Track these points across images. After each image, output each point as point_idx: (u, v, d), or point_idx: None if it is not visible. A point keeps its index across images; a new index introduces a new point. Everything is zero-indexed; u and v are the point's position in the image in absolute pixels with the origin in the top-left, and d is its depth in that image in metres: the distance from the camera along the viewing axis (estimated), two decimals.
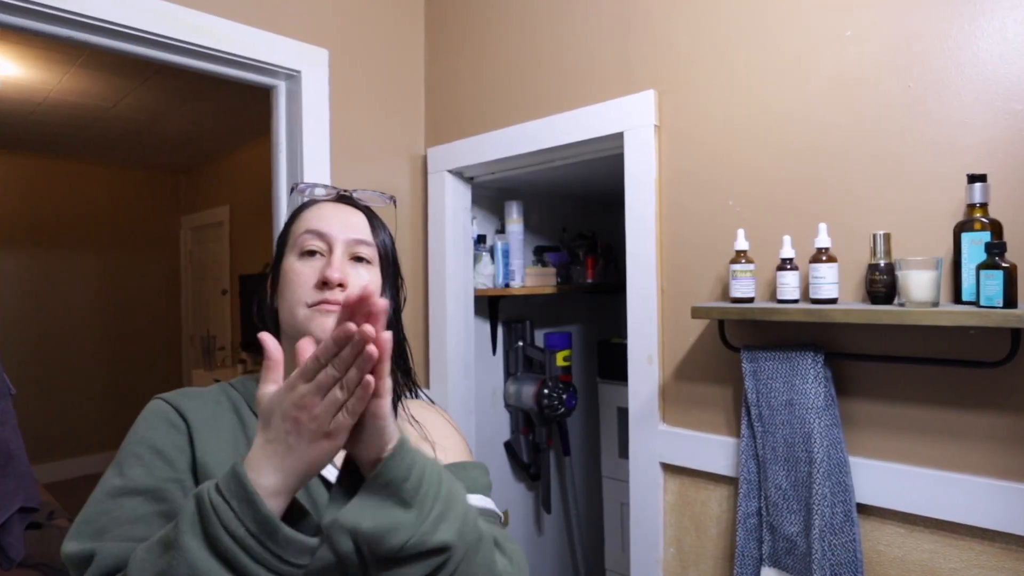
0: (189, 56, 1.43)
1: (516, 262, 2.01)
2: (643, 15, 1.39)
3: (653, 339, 1.34)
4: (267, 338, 0.55)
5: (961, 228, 0.96)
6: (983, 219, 0.93)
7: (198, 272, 5.06)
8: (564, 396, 2.04)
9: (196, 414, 0.70)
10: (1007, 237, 0.93)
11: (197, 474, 0.66)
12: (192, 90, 3.23)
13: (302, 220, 0.77)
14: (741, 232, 1.17)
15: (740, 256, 1.15)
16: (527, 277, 2.03)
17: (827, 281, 1.04)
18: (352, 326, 0.48)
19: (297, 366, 0.54)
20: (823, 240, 1.05)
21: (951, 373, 1.01)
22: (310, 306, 0.71)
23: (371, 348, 0.48)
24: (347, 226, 0.76)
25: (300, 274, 0.73)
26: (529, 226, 2.21)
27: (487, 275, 1.97)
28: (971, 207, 0.95)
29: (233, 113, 3.64)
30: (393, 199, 0.87)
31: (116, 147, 4.34)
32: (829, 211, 1.12)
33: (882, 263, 1.01)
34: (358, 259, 0.76)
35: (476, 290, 1.93)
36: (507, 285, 2.01)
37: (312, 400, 0.50)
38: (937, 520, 1.01)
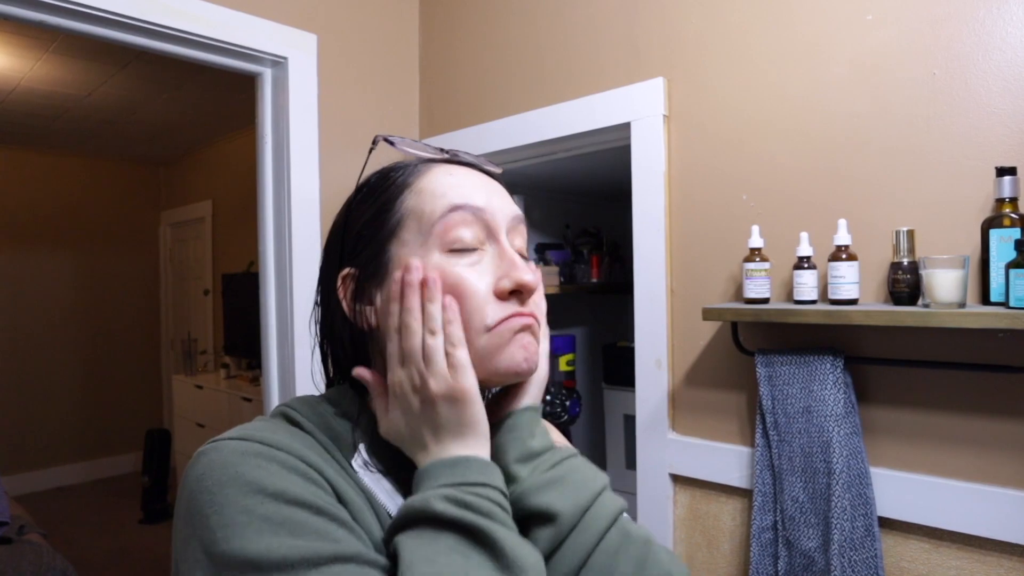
0: (169, 41, 1.43)
1: None
2: None
3: (662, 342, 1.35)
4: (362, 371, 0.54)
5: (989, 224, 0.96)
6: (1013, 214, 0.93)
7: (178, 271, 5.06)
8: (567, 403, 2.05)
9: (317, 462, 0.49)
10: None
11: None
12: (172, 78, 3.24)
13: (435, 192, 0.55)
14: (755, 229, 1.17)
15: (754, 254, 1.15)
16: None
17: (847, 281, 1.04)
18: (399, 275, 0.52)
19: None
20: (843, 237, 1.05)
21: (979, 379, 1.01)
22: (492, 328, 0.52)
23: (421, 275, 0.51)
24: (502, 197, 0.57)
25: (466, 281, 0.52)
26: (531, 222, 2.20)
27: None
28: (1000, 202, 0.95)
29: (216, 102, 3.65)
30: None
31: (92, 138, 4.35)
32: (849, 206, 1.12)
33: (905, 262, 1.01)
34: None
35: None
36: None
37: (419, 363, 0.50)
38: (964, 535, 1.01)
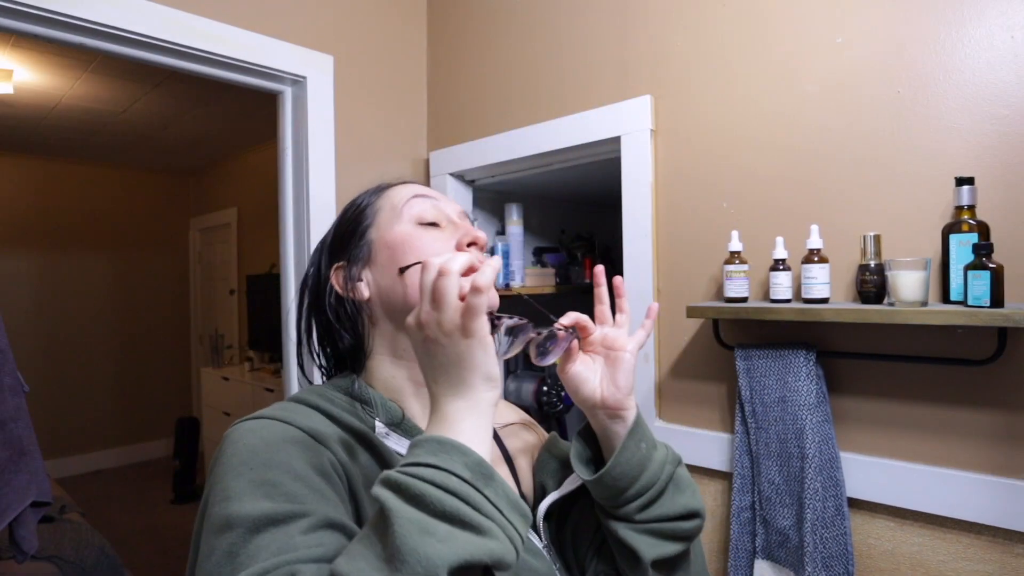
0: (198, 62, 1.43)
1: (516, 263, 2.01)
2: (640, 23, 1.39)
3: (649, 338, 1.34)
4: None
5: (949, 230, 0.96)
6: (971, 221, 0.93)
7: (206, 272, 5.06)
8: (562, 393, 2.04)
9: (324, 433, 0.53)
10: (994, 238, 0.93)
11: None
12: (201, 96, 3.24)
13: (399, 193, 0.65)
14: (735, 233, 1.17)
15: (734, 257, 1.15)
16: (527, 277, 2.03)
17: (819, 281, 1.04)
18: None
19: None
20: (815, 241, 1.05)
21: (939, 371, 1.01)
22: None
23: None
24: (449, 199, 0.69)
25: (430, 239, 0.61)
26: (529, 228, 2.21)
27: None
28: (959, 209, 0.95)
29: (241, 118, 3.65)
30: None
31: (126, 150, 4.34)
32: (821, 213, 1.12)
33: (872, 264, 1.01)
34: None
35: None
36: (507, 285, 2.01)
37: (429, 300, 0.46)
38: (926, 514, 1.01)
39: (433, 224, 0.63)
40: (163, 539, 3.41)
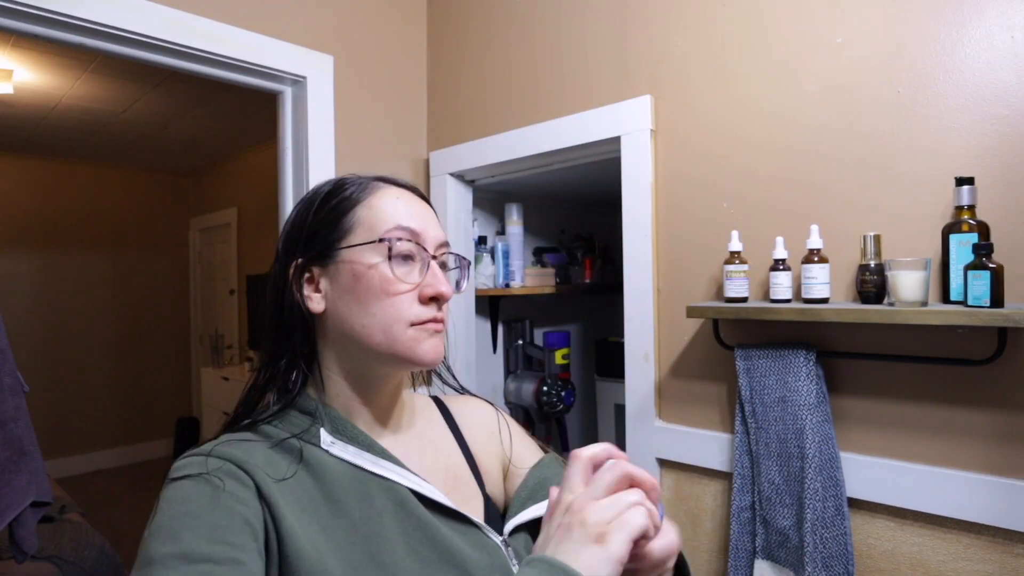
0: (198, 62, 1.43)
1: (516, 263, 2.01)
2: (640, 23, 1.39)
3: (649, 338, 1.34)
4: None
5: (949, 230, 0.96)
6: (971, 221, 0.93)
7: (207, 272, 5.06)
8: (563, 393, 2.04)
9: (255, 467, 0.56)
10: (994, 238, 0.93)
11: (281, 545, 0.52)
12: (201, 96, 3.23)
13: (384, 210, 0.62)
14: (735, 233, 1.17)
15: (734, 257, 1.15)
16: (527, 277, 2.03)
17: (819, 281, 1.04)
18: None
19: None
20: (815, 241, 1.05)
21: (939, 371, 1.01)
22: (415, 325, 0.60)
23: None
24: (434, 225, 0.65)
25: (398, 283, 0.60)
26: (529, 228, 2.21)
27: (488, 275, 1.97)
28: (959, 209, 0.95)
29: (240, 118, 3.65)
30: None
31: (127, 150, 4.34)
32: (821, 213, 1.12)
33: (872, 264, 1.01)
34: (442, 265, 0.65)
35: (477, 290, 1.93)
36: (507, 285, 2.01)
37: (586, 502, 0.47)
38: (926, 514, 1.01)
39: (408, 257, 0.61)
40: None
